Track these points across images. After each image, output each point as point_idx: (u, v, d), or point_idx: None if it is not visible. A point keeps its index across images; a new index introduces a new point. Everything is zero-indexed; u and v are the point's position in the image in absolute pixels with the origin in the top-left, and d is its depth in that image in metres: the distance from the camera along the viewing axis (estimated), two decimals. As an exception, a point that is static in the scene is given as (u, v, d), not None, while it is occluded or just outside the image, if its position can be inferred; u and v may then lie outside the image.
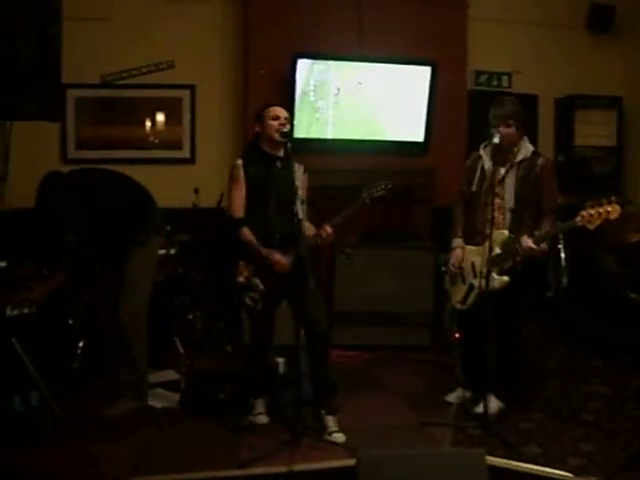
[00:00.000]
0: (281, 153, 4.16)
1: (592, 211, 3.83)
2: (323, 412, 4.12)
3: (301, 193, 4.01)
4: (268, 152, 4.16)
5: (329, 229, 4.04)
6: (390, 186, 4.13)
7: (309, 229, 4.15)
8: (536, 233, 4.13)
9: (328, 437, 4.01)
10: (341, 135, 6.16)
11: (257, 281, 4.02)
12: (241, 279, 4.04)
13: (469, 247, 4.43)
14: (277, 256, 4.02)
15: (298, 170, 4.12)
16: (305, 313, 3.99)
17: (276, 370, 4.75)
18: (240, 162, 4.17)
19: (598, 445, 3.93)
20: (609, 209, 3.80)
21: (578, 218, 3.88)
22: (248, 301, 4.03)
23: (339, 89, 6.06)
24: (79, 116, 6.13)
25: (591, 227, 3.85)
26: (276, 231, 4.08)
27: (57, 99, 3.85)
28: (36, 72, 3.50)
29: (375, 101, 6.17)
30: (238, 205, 4.14)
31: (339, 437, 4.00)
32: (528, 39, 6.84)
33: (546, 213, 4.26)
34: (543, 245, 4.15)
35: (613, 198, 3.82)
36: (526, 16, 6.80)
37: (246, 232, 4.07)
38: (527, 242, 4.08)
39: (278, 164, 4.15)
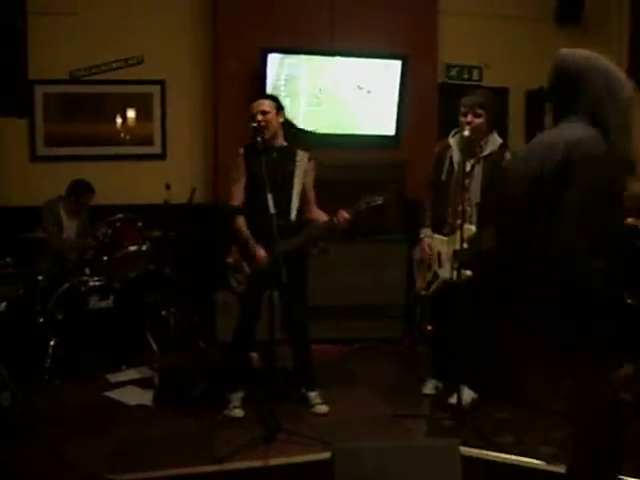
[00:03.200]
0: (279, 143, 4.17)
1: None
2: (304, 390, 4.31)
3: (303, 181, 4.15)
4: (262, 143, 4.04)
5: (346, 215, 4.06)
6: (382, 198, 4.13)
7: (320, 215, 4.23)
8: None
9: (312, 410, 4.23)
10: (313, 129, 6.14)
11: (244, 264, 4.09)
12: (230, 260, 4.14)
13: (437, 236, 4.42)
14: (260, 251, 4.05)
15: (301, 159, 4.16)
16: (284, 306, 4.20)
17: (250, 364, 4.75)
18: (242, 150, 4.20)
19: (570, 433, 3.96)
20: None
21: None
22: (233, 282, 4.13)
23: (320, 89, 6.04)
24: (48, 112, 6.04)
25: None
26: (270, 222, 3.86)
27: (25, 95, 3.79)
28: (2, 67, 3.44)
29: (346, 95, 6.16)
30: (235, 193, 4.20)
31: (322, 408, 4.23)
32: (498, 32, 6.83)
33: None
34: None
35: None
36: (496, 9, 6.80)
37: (240, 222, 4.13)
38: None
39: (274, 155, 4.14)
